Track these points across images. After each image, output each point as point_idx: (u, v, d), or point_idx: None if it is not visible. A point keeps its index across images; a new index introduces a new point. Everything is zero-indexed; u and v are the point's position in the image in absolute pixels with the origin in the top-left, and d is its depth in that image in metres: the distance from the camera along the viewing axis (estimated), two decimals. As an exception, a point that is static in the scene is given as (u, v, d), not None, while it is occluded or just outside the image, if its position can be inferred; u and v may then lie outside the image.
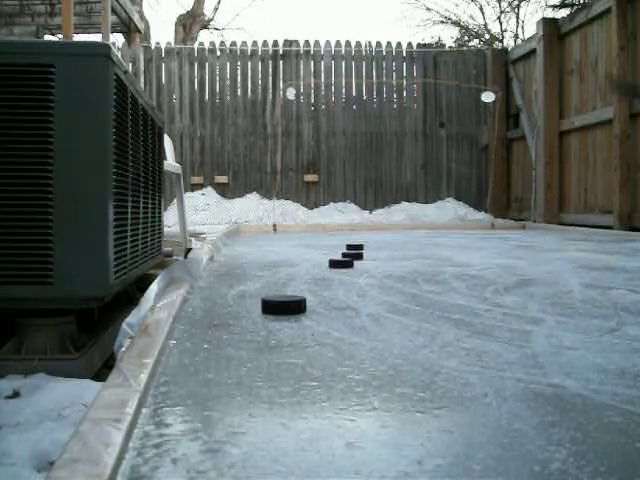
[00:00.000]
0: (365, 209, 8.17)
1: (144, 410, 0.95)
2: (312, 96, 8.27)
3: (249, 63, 8.26)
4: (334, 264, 2.93)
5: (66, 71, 1.66)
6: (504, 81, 8.23)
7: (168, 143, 4.00)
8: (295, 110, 8.22)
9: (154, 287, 1.91)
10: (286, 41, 8.28)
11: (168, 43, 8.52)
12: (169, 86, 8.16)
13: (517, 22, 17.48)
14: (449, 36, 17.82)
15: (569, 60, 6.94)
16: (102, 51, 1.69)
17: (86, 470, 0.70)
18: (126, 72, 1.91)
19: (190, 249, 3.37)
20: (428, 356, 1.26)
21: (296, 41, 8.29)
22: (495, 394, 1.02)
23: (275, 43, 8.27)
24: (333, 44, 8.32)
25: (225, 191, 8.09)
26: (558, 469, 0.74)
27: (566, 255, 3.60)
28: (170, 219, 6.29)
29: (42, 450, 1.19)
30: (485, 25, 13.69)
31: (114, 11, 6.91)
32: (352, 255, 3.30)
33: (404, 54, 8.39)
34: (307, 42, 8.29)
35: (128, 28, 8.04)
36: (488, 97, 7.81)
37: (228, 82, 8.25)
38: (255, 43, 8.28)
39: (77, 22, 6.34)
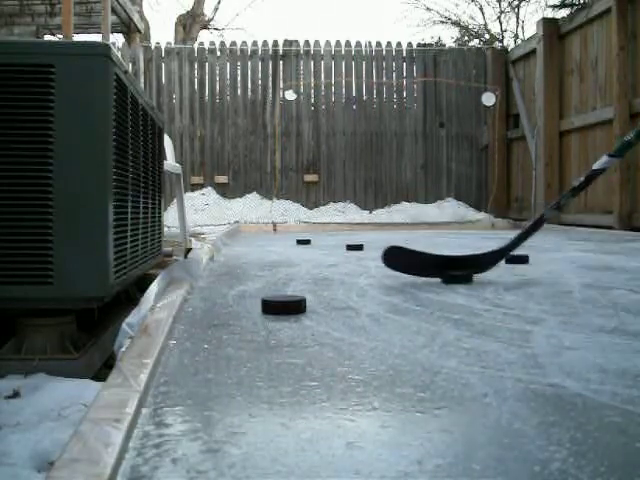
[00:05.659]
0: (365, 209, 8.17)
1: (144, 410, 0.95)
2: (312, 96, 8.27)
3: (249, 63, 8.26)
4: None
5: (66, 71, 1.66)
6: (504, 81, 8.23)
7: (168, 143, 4.00)
8: (295, 110, 8.22)
9: (154, 287, 1.91)
10: (286, 41, 8.28)
11: (168, 43, 8.52)
12: (169, 86, 8.16)
13: (517, 22, 17.51)
14: (449, 36, 17.85)
15: (569, 60, 6.94)
16: (102, 51, 1.69)
17: (86, 470, 0.70)
18: (126, 72, 1.91)
19: (190, 249, 3.37)
20: (428, 356, 1.26)
21: (296, 41, 8.29)
22: (495, 394, 1.02)
23: (275, 43, 8.26)
24: (333, 44, 8.32)
25: (225, 191, 8.09)
26: (558, 469, 0.74)
27: (566, 255, 3.59)
28: (170, 219, 6.29)
29: (42, 450, 1.19)
30: (485, 25, 13.70)
31: (114, 11, 6.91)
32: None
33: (404, 54, 8.38)
34: (307, 42, 8.29)
35: (128, 28, 8.03)
36: (489, 100, 7.80)
37: (228, 82, 8.25)
38: (255, 43, 8.28)
39: (77, 22, 6.33)
